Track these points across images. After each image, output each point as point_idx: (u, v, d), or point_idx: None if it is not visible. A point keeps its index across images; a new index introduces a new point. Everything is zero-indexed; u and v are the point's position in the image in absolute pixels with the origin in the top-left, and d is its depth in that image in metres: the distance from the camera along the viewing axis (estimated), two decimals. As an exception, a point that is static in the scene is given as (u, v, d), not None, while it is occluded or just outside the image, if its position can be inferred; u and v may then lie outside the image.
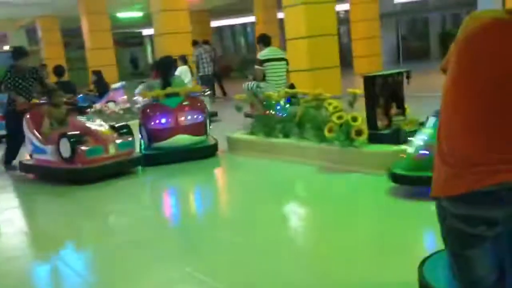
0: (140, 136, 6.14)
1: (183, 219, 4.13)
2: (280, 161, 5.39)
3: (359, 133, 4.66)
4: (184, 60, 10.71)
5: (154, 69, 13.12)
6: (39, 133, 5.80)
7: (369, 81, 4.75)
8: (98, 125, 5.68)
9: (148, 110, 6.11)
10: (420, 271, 2.11)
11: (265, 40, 7.90)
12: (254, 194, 4.57)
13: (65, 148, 5.30)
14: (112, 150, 5.40)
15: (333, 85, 9.43)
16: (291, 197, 4.49)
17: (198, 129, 5.99)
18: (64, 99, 6.22)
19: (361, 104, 4.96)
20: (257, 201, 4.28)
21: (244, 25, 28.16)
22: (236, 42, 29.52)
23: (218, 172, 5.95)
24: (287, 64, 7.78)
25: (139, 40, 24.79)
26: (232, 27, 28.95)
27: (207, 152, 5.97)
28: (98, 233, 3.91)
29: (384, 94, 4.79)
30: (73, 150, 5.23)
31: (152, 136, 5.90)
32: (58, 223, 4.36)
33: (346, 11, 19.72)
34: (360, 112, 4.85)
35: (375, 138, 4.69)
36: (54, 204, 5.05)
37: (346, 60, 19.01)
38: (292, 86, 7.57)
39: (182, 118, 5.93)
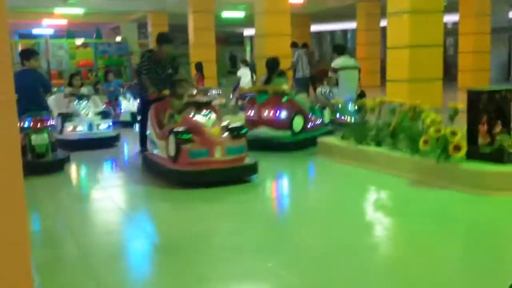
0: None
1: (269, 214, 4.18)
2: (370, 169, 5.29)
3: (457, 148, 4.45)
4: (246, 63, 12.86)
5: (197, 71, 13.58)
6: (158, 127, 5.54)
7: (474, 96, 4.52)
8: (211, 123, 5.09)
9: (247, 102, 7.51)
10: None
11: (339, 50, 8.67)
12: (340, 198, 4.52)
13: (172, 146, 4.90)
14: (218, 154, 4.80)
15: (434, 97, 9.04)
16: (378, 206, 4.39)
17: (280, 124, 6.62)
18: (193, 92, 5.51)
19: (462, 120, 4.73)
20: (344, 206, 4.24)
21: (344, 31, 27.87)
22: (335, 47, 29.26)
23: (306, 171, 5.96)
24: (359, 72, 8.53)
25: (240, 40, 25.45)
26: (332, 32, 28.76)
27: (289, 147, 6.53)
28: (186, 220, 4.08)
29: (488, 111, 4.53)
30: (178, 149, 4.82)
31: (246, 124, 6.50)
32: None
33: (454, 23, 18.81)
34: (460, 128, 4.62)
35: (474, 155, 4.45)
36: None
37: (450, 74, 18.19)
38: (362, 94, 8.11)
39: (265, 113, 6.74)
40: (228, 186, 4.77)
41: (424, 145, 4.71)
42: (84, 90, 8.25)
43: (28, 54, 6.18)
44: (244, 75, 11.98)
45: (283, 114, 6.66)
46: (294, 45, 12.92)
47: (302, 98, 7.50)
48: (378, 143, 5.49)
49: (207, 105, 5.31)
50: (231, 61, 24.02)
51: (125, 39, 22.20)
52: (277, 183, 5.46)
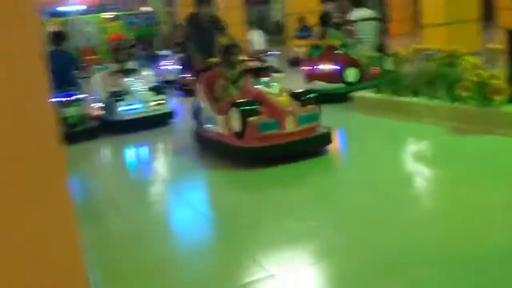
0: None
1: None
2: (408, 121, 5.19)
3: (498, 92, 4.29)
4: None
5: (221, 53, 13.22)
6: (212, 99, 4.93)
7: (514, 35, 4.31)
8: (275, 92, 4.54)
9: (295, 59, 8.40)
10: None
11: (356, 2, 8.47)
12: (380, 153, 4.49)
13: (236, 120, 4.35)
14: (289, 125, 4.28)
15: (471, 40, 8.68)
16: (420, 157, 4.33)
17: (332, 77, 6.85)
18: (245, 57, 5.21)
19: (503, 61, 4.54)
20: (383, 161, 4.21)
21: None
22: (365, -4, 28.27)
23: (346, 127, 5.91)
24: (382, 22, 8.52)
25: (267, -2, 24.97)
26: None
27: (344, 99, 6.47)
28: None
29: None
30: (244, 123, 4.26)
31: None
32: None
33: (491, -43, 17.76)
34: (501, 69, 4.44)
35: (517, 97, 4.28)
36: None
37: (489, 12, 17.30)
38: (381, 47, 7.72)
39: (318, 67, 7.06)
40: (300, 162, 4.23)
41: (463, 91, 4.57)
42: (132, 64, 7.40)
43: (60, 38, 7.08)
44: (258, 36, 11.40)
45: (336, 67, 6.90)
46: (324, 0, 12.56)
47: (358, 50, 7.33)
48: (415, 93, 5.36)
49: (266, 71, 4.78)
50: (257, 21, 23.64)
51: (152, 9, 22.15)
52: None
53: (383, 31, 8.37)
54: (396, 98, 5.55)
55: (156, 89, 7.02)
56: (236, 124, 4.35)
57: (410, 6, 18.57)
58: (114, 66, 7.31)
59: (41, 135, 1.18)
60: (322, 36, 7.50)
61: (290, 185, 3.83)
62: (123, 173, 5.20)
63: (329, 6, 12.19)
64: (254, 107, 4.31)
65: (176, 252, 2.99)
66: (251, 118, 4.24)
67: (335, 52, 7.07)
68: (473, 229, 2.71)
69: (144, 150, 6.20)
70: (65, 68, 6.64)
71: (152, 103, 6.80)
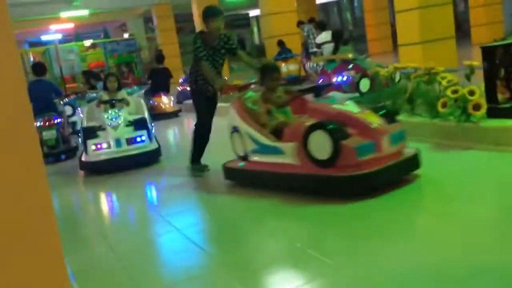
0: None
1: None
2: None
3: (477, 107, 4.38)
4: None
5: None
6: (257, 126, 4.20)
7: (488, 51, 4.42)
8: (354, 109, 3.85)
9: (320, 72, 8.38)
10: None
11: (321, 25, 9.96)
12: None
13: (322, 146, 3.54)
14: (386, 145, 3.61)
15: (448, 57, 8.89)
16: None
17: (348, 88, 7.56)
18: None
19: (479, 77, 4.64)
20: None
21: (351, 0, 27.42)
22: (343, 18, 28.88)
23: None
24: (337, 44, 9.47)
25: (246, 22, 25.30)
26: (338, 2, 28.34)
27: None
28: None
29: (505, 65, 4.43)
30: (336, 148, 3.48)
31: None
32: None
33: (463, -23, 18.33)
34: (478, 85, 4.55)
35: (494, 112, 4.37)
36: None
37: (463, 30, 17.78)
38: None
39: (334, 79, 7.70)
40: (385, 193, 3.55)
41: (443, 108, 4.66)
42: (122, 93, 6.67)
43: (40, 69, 7.74)
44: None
45: (350, 78, 7.63)
46: (300, 23, 12.84)
47: (368, 62, 8.27)
48: (396, 111, 5.43)
49: (323, 89, 4.31)
50: (239, 45, 23.93)
51: (133, 35, 22.26)
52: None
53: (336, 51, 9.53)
54: (377, 117, 5.62)
55: (137, 124, 6.09)
56: (322, 150, 3.54)
57: (386, 26, 18.99)
58: (103, 96, 6.62)
59: (25, 156, 1.28)
60: (335, 51, 8.65)
61: (399, 235, 2.99)
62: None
63: (307, 28, 12.39)
64: (344, 128, 3.59)
65: None
66: (346, 141, 3.52)
67: (349, 64, 7.90)
68: (454, 247, 2.74)
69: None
70: (45, 96, 7.30)
71: (130, 140, 5.95)
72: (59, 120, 7.24)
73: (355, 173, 3.49)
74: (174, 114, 10.47)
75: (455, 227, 2.96)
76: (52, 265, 1.36)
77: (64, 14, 18.47)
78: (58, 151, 7.11)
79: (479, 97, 4.41)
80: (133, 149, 5.91)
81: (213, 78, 4.67)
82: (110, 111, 6.20)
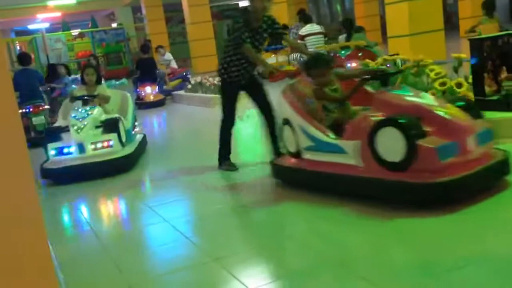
0: None
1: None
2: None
3: (464, 99, 4.41)
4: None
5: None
6: (312, 120, 3.64)
7: (476, 44, 4.45)
8: (432, 102, 3.24)
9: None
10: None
11: (305, 18, 9.86)
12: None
13: (393, 146, 2.98)
14: (472, 146, 3.04)
15: (437, 49, 8.94)
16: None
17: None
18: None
19: (467, 69, 4.68)
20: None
21: (341, -9, 27.37)
22: (333, 9, 28.83)
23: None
24: (325, 37, 9.86)
25: (236, 12, 25.12)
26: (328, -7, 28.28)
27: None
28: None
29: (493, 58, 4.47)
30: (411, 149, 2.92)
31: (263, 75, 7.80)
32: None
33: (452, -30, 18.39)
34: (465, 77, 4.58)
35: (482, 104, 4.39)
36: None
37: (451, 23, 17.86)
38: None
39: (348, 65, 7.73)
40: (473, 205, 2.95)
41: (430, 100, 4.68)
42: (102, 87, 5.85)
43: (26, 59, 8.21)
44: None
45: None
46: (285, 27, 12.78)
47: (378, 49, 8.66)
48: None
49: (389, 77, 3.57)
50: (229, 35, 23.80)
51: (121, 25, 22.04)
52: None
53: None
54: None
55: (106, 126, 5.23)
56: (393, 150, 2.98)
57: (376, 18, 19.00)
58: (77, 90, 5.88)
59: (10, 140, 1.31)
60: (348, 38, 8.84)
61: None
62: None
63: (294, 27, 12.37)
64: (420, 125, 2.99)
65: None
66: (423, 141, 2.93)
67: (361, 51, 8.19)
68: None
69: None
70: (31, 84, 7.70)
71: (93, 146, 5.08)
72: (46, 106, 7.70)
73: (435, 180, 2.88)
74: (159, 103, 10.56)
75: None
76: (37, 255, 1.36)
77: (51, 3, 18.24)
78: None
79: (467, 89, 4.44)
80: (99, 156, 5.04)
81: (262, 61, 4.27)
82: (80, 110, 5.31)
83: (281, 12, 12.73)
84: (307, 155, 3.68)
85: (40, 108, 7.55)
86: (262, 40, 4.33)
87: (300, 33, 9.82)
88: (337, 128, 3.49)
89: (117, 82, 8.54)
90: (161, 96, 10.81)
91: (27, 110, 7.43)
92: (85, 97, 5.51)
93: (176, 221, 3.57)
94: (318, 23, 10.65)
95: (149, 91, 10.70)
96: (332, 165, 3.44)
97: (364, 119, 3.24)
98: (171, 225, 3.49)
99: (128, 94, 6.30)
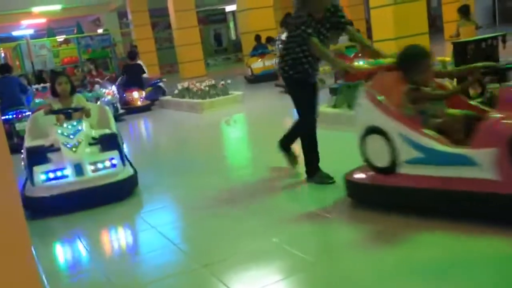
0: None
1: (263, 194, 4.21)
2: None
3: (449, 102, 4.45)
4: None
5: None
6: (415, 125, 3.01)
7: (460, 47, 4.50)
8: None
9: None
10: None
11: (287, 24, 9.67)
12: (339, 166, 4.55)
13: None
14: None
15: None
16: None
17: None
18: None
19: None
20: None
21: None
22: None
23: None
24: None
25: (222, 17, 25.19)
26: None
27: None
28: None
29: (476, 61, 4.52)
30: None
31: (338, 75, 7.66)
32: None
33: (436, -26, 18.61)
34: (450, 81, 4.62)
35: (467, 107, 4.45)
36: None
37: (436, 26, 18.07)
38: None
39: (355, 63, 8.25)
40: None
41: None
42: (78, 98, 4.87)
43: (5, 68, 8.40)
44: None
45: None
46: (270, 40, 12.84)
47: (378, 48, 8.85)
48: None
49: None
50: (216, 40, 23.83)
51: (107, 30, 21.93)
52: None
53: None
54: (352, 112, 5.66)
55: (105, 142, 4.45)
56: None
57: (362, 22, 19.15)
58: (53, 103, 4.81)
59: None
60: (351, 41, 9.27)
61: None
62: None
63: (278, 38, 12.45)
64: None
65: None
66: None
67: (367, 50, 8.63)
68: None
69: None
70: (12, 91, 7.96)
71: (92, 167, 4.21)
72: (28, 113, 7.69)
73: None
74: (146, 108, 10.60)
75: None
76: (22, 266, 1.34)
77: (36, 9, 18.10)
78: None
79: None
80: (101, 178, 4.20)
81: (333, 59, 3.80)
82: (65, 125, 4.43)
83: (267, 17, 12.76)
84: (408, 170, 3.02)
85: (23, 115, 7.67)
86: (325, 32, 3.81)
87: (283, 38, 9.87)
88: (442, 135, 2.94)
89: (89, 95, 8.83)
90: (147, 102, 10.83)
91: (10, 117, 7.60)
92: (69, 110, 4.61)
93: (163, 227, 3.55)
94: None
95: (136, 96, 10.73)
96: (450, 181, 2.81)
97: (496, 123, 2.69)
98: (159, 232, 3.47)
99: (107, 107, 5.42)
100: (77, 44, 18.76)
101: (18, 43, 17.45)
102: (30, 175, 4.19)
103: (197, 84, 9.64)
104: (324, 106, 6.21)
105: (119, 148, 4.42)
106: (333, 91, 7.11)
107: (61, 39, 19.16)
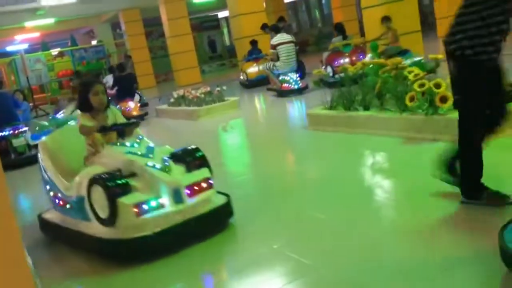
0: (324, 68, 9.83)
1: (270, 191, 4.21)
2: (362, 134, 5.31)
3: (443, 99, 4.47)
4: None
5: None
6: None
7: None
8: None
9: (333, 55, 10.05)
10: (500, 236, 2.20)
11: (275, 29, 10.42)
12: (337, 168, 4.56)
13: None
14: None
15: (415, 50, 9.05)
16: (376, 170, 4.43)
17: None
18: None
19: (445, 69, 4.74)
20: (342, 175, 4.28)
21: (318, -3, 27.61)
22: (312, 16, 29.07)
23: (298, 147, 5.98)
24: (296, 45, 10.26)
25: (216, 23, 25.19)
26: (306, 1, 28.51)
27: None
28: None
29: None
30: None
31: (336, 69, 9.14)
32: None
33: (426, -29, 18.66)
34: (445, 77, 4.64)
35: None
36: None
37: (428, 23, 18.10)
38: (301, 64, 10.80)
39: (354, 58, 9.61)
40: None
41: (411, 102, 4.74)
42: (115, 112, 3.78)
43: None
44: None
45: (362, 56, 9.50)
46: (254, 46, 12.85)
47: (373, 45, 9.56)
48: (366, 107, 5.51)
49: None
50: (210, 47, 23.84)
51: (101, 42, 21.95)
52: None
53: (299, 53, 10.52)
54: (348, 113, 5.68)
55: (192, 159, 3.50)
56: None
57: (354, 22, 19.20)
58: (88, 120, 3.61)
59: None
60: (344, 38, 10.34)
61: None
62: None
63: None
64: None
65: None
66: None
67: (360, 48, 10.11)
68: (425, 241, 2.78)
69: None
70: (5, 105, 7.90)
71: (187, 191, 3.25)
72: (24, 129, 7.79)
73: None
74: (140, 117, 10.60)
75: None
76: (17, 276, 1.36)
77: (29, 24, 18.11)
78: (26, 156, 7.46)
79: (445, 89, 4.50)
80: (200, 205, 3.31)
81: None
82: (128, 143, 3.45)
83: (260, 22, 12.78)
84: None
85: (20, 130, 7.68)
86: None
87: (271, 43, 10.07)
88: None
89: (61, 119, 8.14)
90: (142, 112, 10.85)
91: (7, 133, 7.56)
92: (129, 124, 3.69)
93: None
94: (288, 32, 10.97)
95: (133, 106, 10.70)
96: None
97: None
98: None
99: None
100: (71, 56, 18.80)
101: (13, 58, 17.48)
102: (112, 212, 3.10)
103: (193, 92, 9.65)
104: (320, 108, 6.22)
105: (208, 165, 3.50)
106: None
107: (56, 52, 19.20)
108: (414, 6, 9.91)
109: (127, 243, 3.08)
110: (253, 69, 12.39)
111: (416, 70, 5.01)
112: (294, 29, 18.75)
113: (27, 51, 18.76)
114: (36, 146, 7.52)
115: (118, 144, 3.45)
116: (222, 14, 25.51)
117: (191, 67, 16.69)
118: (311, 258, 2.77)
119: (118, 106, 10.63)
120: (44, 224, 3.95)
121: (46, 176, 3.83)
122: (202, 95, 9.39)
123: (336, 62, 9.77)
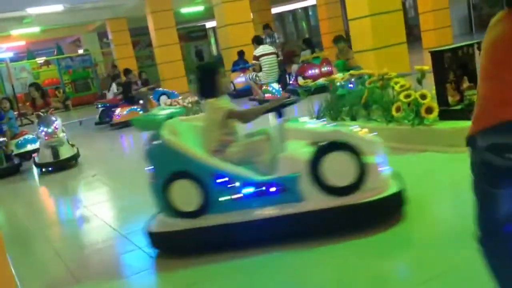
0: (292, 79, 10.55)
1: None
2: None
3: (429, 110, 4.52)
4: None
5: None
6: None
7: (437, 56, 4.58)
8: None
9: (303, 67, 10.55)
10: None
11: (258, 40, 10.78)
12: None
13: None
14: None
15: (401, 62, 9.17)
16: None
17: (328, 75, 8.47)
18: None
19: (431, 80, 4.79)
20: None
21: (305, 9, 27.88)
22: (298, 27, 29.31)
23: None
24: (278, 56, 10.73)
25: (203, 34, 25.25)
26: (293, 12, 28.76)
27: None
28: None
29: (454, 68, 4.60)
30: None
31: (306, 78, 9.20)
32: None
33: (411, -16, 18.94)
34: (430, 88, 4.69)
35: (446, 114, 4.52)
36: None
37: (413, 35, 18.35)
38: (284, 73, 11.40)
39: (323, 69, 10.26)
40: None
41: (397, 112, 4.78)
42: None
43: None
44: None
45: (329, 68, 10.10)
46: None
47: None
48: (353, 117, 5.54)
49: None
50: (197, 56, 23.85)
51: (87, 51, 21.86)
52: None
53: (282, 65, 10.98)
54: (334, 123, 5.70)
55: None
56: None
57: (341, 34, 19.37)
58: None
59: None
60: (313, 52, 11.22)
61: None
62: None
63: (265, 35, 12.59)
64: None
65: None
66: None
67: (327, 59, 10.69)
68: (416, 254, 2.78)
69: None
70: None
71: None
72: (1, 139, 7.58)
73: None
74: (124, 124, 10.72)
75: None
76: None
77: (15, 32, 17.98)
78: (1, 168, 7.33)
79: (431, 100, 4.55)
80: None
81: None
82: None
83: (247, 32, 12.85)
84: None
85: None
86: None
87: (254, 54, 10.34)
88: None
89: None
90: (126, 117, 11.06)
91: None
92: (292, 102, 3.56)
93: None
94: (272, 42, 11.31)
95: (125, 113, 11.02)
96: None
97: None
98: (146, 253, 3.43)
99: None
100: (57, 65, 18.67)
101: (-3, 66, 17.29)
102: (361, 175, 2.98)
103: (180, 101, 9.62)
104: (306, 119, 6.21)
105: None
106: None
107: (41, 61, 19.06)
108: (400, 19, 10.04)
109: (377, 204, 2.96)
110: (240, 79, 12.43)
111: (402, 81, 5.06)
112: (279, 37, 18.81)
113: (12, 60, 18.59)
114: (20, 154, 7.60)
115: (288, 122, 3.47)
116: (209, 24, 25.60)
117: (178, 76, 16.68)
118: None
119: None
120: (167, 238, 3.21)
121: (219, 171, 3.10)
122: (190, 105, 9.37)
123: (306, 73, 10.37)
